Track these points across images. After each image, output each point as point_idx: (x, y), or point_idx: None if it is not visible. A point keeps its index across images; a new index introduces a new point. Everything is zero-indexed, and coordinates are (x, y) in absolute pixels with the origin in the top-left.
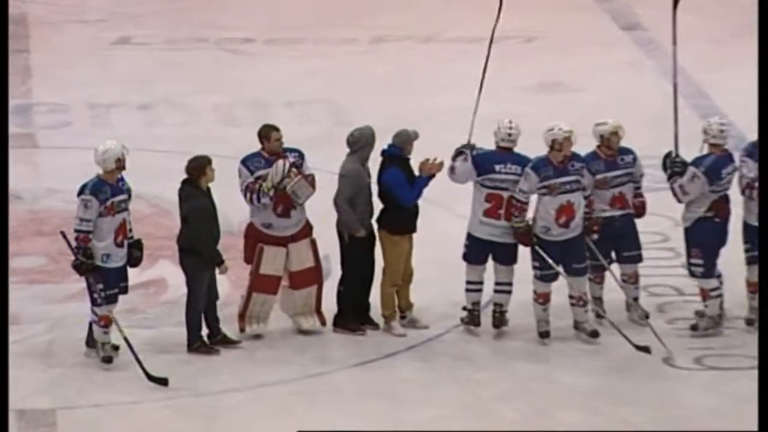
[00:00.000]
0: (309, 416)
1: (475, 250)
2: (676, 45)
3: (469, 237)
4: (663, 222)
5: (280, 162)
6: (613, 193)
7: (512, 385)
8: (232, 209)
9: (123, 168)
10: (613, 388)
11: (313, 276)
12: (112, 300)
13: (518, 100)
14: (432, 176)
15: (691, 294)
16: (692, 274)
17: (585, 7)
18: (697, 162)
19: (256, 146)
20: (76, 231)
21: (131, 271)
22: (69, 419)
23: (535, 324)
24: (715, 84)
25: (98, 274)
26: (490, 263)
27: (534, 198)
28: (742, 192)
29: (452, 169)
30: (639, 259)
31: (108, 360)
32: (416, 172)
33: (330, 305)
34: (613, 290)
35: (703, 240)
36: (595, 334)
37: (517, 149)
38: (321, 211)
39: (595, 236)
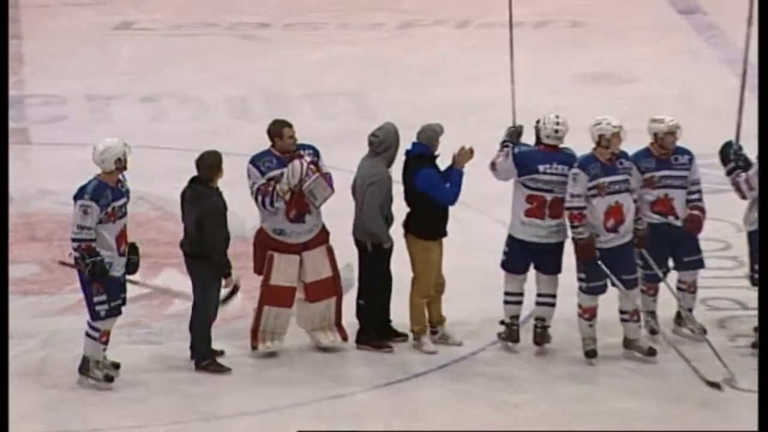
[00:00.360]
0: None
1: (516, 257)
2: (751, 26)
3: (510, 241)
4: (724, 228)
5: (297, 163)
6: (658, 195)
7: (555, 409)
8: (245, 212)
9: (124, 168)
10: (667, 412)
11: (331, 287)
12: (115, 313)
13: (563, 91)
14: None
15: (755, 308)
16: (756, 285)
17: None
18: None
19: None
20: (76, 240)
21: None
22: None
23: (581, 342)
24: None
25: (101, 284)
26: (531, 273)
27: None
28: None
29: (493, 165)
30: (700, 264)
31: (109, 379)
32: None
33: (351, 319)
34: (662, 304)
35: None
36: (652, 352)
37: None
38: (342, 215)
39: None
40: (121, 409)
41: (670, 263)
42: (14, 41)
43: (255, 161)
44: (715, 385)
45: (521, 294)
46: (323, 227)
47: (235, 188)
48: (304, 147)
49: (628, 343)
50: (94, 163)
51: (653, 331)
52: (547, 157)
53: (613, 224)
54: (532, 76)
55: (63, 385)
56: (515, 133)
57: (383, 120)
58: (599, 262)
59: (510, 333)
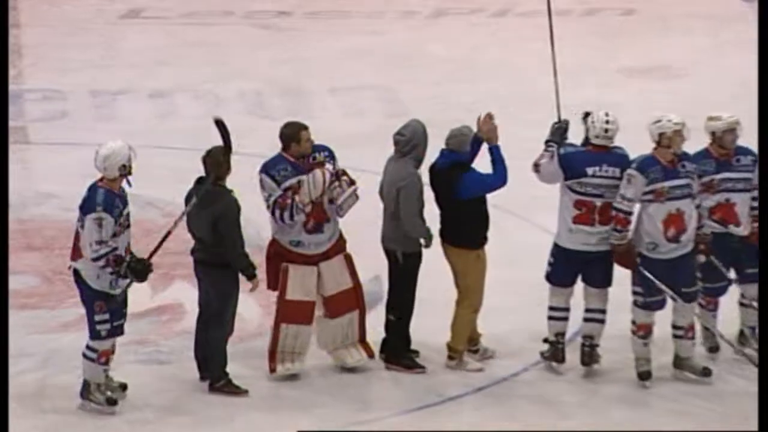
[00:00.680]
0: None
1: (563, 268)
2: None
3: (556, 250)
4: None
5: (319, 174)
6: (718, 200)
7: None
8: (263, 219)
9: (129, 174)
10: None
11: (353, 299)
12: (118, 332)
13: (613, 85)
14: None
15: None
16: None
17: None
18: None
19: None
20: (99, 258)
21: (142, 295)
22: None
23: (633, 362)
24: None
25: (105, 302)
26: (579, 286)
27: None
28: None
29: (536, 167)
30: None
31: (112, 403)
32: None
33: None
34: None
35: None
36: (706, 373)
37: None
38: (369, 222)
39: (703, 258)
40: None
41: (732, 275)
42: (12, 31)
43: (268, 170)
44: None
45: (567, 309)
46: (341, 234)
47: (251, 192)
48: (318, 149)
49: (679, 362)
50: (97, 168)
51: (712, 349)
52: (597, 159)
53: (674, 233)
54: (578, 69)
55: (63, 410)
56: (560, 130)
57: (413, 117)
58: (646, 273)
59: (555, 352)
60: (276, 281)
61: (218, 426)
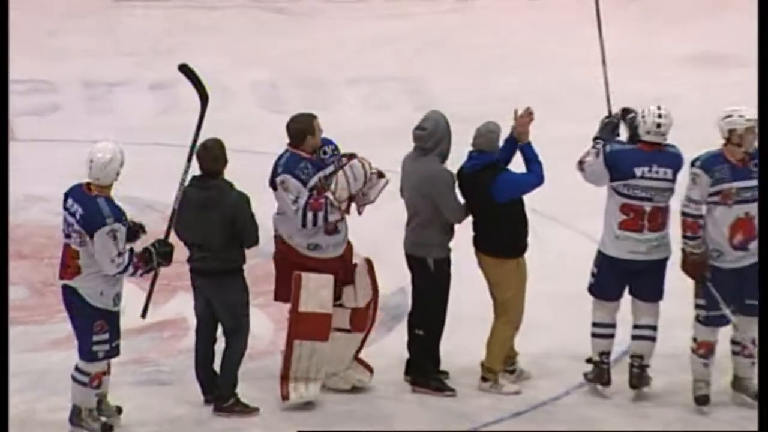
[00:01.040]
0: None
1: (608, 279)
2: None
3: (601, 259)
4: None
5: (358, 164)
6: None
7: None
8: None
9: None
10: None
11: (372, 311)
12: (115, 353)
13: (668, 76)
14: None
15: None
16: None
17: None
18: None
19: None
20: (124, 270)
21: (140, 309)
22: None
23: (690, 384)
24: None
25: (106, 321)
26: (627, 299)
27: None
28: None
29: (581, 165)
30: None
31: (108, 429)
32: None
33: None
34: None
35: None
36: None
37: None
38: (390, 227)
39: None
40: None
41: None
42: None
43: (292, 170)
44: None
45: (613, 326)
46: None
47: (264, 194)
48: (324, 142)
49: (738, 384)
50: (92, 176)
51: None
52: (646, 158)
53: (741, 240)
54: (626, 58)
55: None
56: (610, 126)
57: (447, 112)
58: (709, 285)
59: (599, 373)
60: (287, 292)
61: None
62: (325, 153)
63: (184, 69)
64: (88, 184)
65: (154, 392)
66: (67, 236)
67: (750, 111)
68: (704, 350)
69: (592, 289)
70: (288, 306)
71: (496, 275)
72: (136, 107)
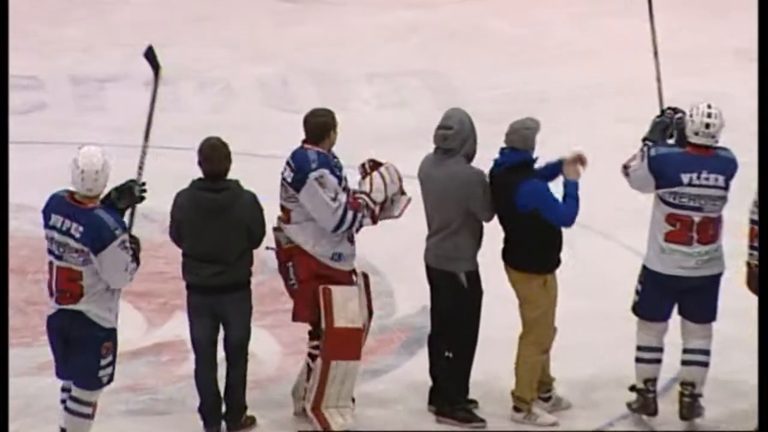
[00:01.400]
0: None
1: (654, 298)
2: None
3: (645, 275)
4: None
5: (392, 167)
6: None
7: None
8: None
9: None
10: None
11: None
12: (113, 377)
13: (717, 73)
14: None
15: None
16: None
17: None
18: None
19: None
20: (132, 276)
21: (135, 330)
22: None
23: (749, 415)
24: None
25: (113, 341)
26: (675, 320)
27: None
28: None
29: (625, 168)
30: None
31: None
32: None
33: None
34: None
35: None
36: None
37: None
38: (411, 239)
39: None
40: None
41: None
42: None
43: (328, 164)
44: None
45: (660, 349)
46: None
47: (271, 201)
48: None
49: None
50: (84, 188)
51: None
52: (695, 163)
53: None
54: (676, 52)
55: None
56: (662, 126)
57: (471, 111)
58: None
59: (645, 402)
60: (310, 310)
61: None
62: (334, 157)
63: (149, 51)
64: (71, 194)
65: (150, 422)
66: (59, 257)
67: None
68: None
69: (637, 309)
70: (299, 326)
71: (523, 292)
72: (129, 105)
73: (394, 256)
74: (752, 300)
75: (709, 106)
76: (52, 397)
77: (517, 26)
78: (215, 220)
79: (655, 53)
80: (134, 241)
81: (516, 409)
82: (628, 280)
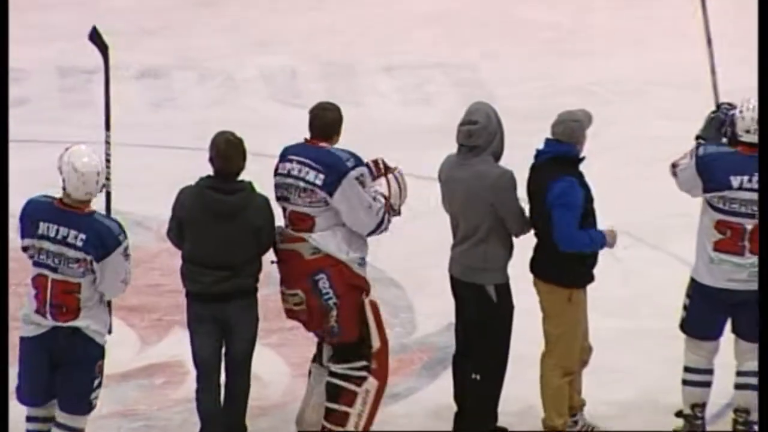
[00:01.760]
0: None
1: (702, 313)
2: None
3: (694, 288)
4: None
5: (401, 172)
6: None
7: None
8: None
9: None
10: None
11: None
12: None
13: None
14: None
15: None
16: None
17: None
18: None
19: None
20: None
21: (127, 350)
22: None
23: None
24: None
25: (103, 359)
26: (727, 338)
27: None
28: None
29: (674, 167)
30: None
31: None
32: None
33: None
34: None
35: None
36: None
37: None
38: (433, 250)
39: None
40: None
41: None
42: None
43: (362, 161)
44: None
45: (710, 371)
46: None
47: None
48: None
49: None
50: (82, 192)
51: None
52: (746, 164)
53: None
54: (731, 39)
55: None
56: (717, 122)
57: (502, 107)
58: None
59: (692, 430)
60: (358, 326)
61: None
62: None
63: (94, 32)
64: (60, 200)
65: None
66: (54, 269)
67: None
68: None
69: (684, 326)
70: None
71: (546, 305)
72: (121, 99)
73: (415, 267)
74: None
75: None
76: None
77: (553, 12)
78: (223, 223)
79: (709, 41)
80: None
81: None
82: (675, 294)
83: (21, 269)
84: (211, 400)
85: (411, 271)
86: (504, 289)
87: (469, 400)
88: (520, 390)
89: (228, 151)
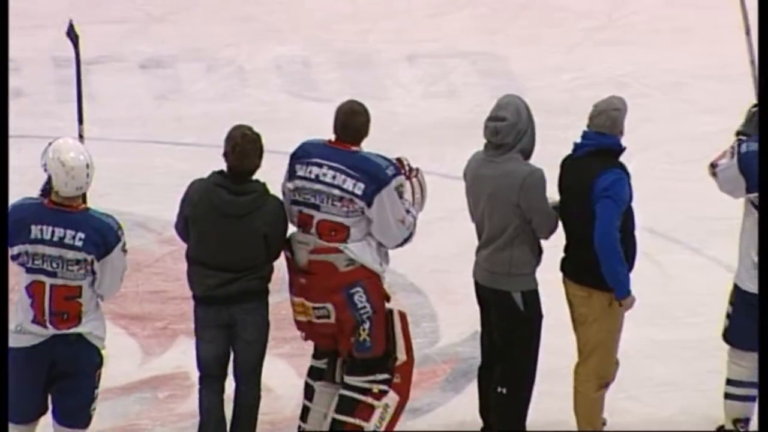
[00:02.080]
0: None
1: (747, 323)
2: None
3: (737, 296)
4: None
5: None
6: None
7: None
8: None
9: None
10: None
11: None
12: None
13: None
14: None
15: None
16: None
17: None
18: None
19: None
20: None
21: (129, 361)
22: None
23: None
24: None
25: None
26: None
27: None
28: None
29: (713, 167)
30: None
31: None
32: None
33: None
34: None
35: None
36: None
37: None
38: (456, 255)
39: None
40: None
41: None
42: None
43: (397, 166)
44: None
45: (754, 384)
46: None
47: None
48: None
49: None
50: (73, 187)
51: None
52: None
53: None
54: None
55: None
56: (758, 118)
57: (532, 99)
58: None
59: None
60: (384, 338)
61: None
62: None
63: (70, 29)
64: (49, 199)
65: None
66: (52, 274)
67: None
68: None
69: (727, 336)
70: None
71: (582, 310)
72: (121, 93)
73: (438, 272)
74: None
75: None
76: None
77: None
78: (230, 224)
79: (747, 31)
80: None
81: None
82: (717, 302)
83: (11, 275)
84: (212, 402)
85: (433, 276)
86: (531, 297)
87: (494, 415)
88: (551, 405)
89: (244, 147)
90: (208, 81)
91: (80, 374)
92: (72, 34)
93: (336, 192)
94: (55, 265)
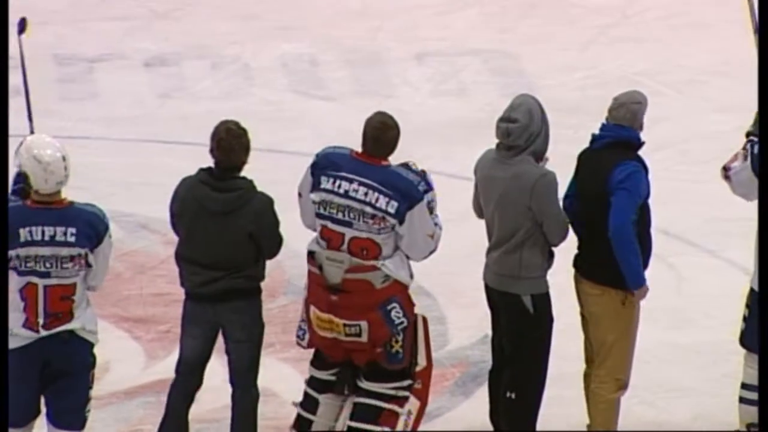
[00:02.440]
0: None
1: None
2: None
3: (753, 299)
4: None
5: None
6: None
7: None
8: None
9: None
10: None
11: None
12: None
13: None
14: None
15: None
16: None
17: None
18: None
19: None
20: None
21: (131, 365)
22: None
23: None
24: None
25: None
26: None
27: None
28: None
29: (725, 171)
30: None
31: None
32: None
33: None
34: None
35: None
36: None
37: None
38: (466, 256)
39: None
40: None
41: None
42: None
43: (429, 180)
44: None
45: None
46: None
47: (296, 207)
48: None
49: None
50: (54, 182)
51: None
52: None
53: None
54: None
55: None
56: None
57: (543, 98)
58: None
59: None
60: (411, 348)
61: None
62: None
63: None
64: (31, 200)
65: None
66: (45, 275)
67: None
68: None
69: (744, 339)
70: None
71: (595, 309)
72: (124, 91)
73: (448, 274)
74: None
75: None
76: None
77: None
78: (214, 222)
79: (755, 29)
80: None
81: None
82: (734, 305)
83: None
84: (179, 408)
85: (443, 278)
86: (542, 300)
87: (505, 419)
88: (561, 410)
89: (229, 143)
90: (213, 79)
91: (75, 373)
92: (22, 26)
93: (368, 210)
94: (48, 265)
